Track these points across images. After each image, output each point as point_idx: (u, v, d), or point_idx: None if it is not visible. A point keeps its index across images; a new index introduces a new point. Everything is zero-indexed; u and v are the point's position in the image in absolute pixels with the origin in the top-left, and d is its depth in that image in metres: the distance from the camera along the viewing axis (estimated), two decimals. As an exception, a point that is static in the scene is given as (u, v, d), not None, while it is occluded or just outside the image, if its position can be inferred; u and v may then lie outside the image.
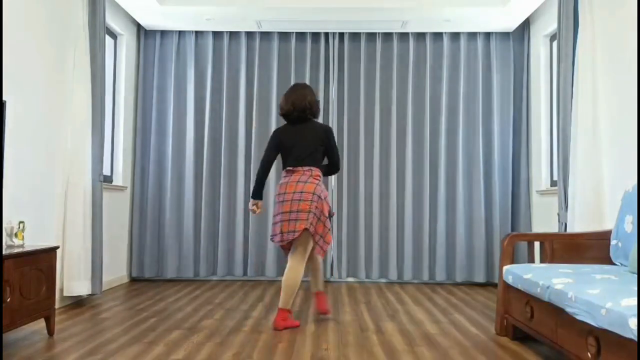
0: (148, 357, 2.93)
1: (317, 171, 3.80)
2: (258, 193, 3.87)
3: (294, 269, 3.70)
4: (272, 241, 3.76)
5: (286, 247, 3.86)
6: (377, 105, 5.89)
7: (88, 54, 4.38)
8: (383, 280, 5.94)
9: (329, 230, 3.78)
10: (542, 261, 3.55)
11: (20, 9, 3.75)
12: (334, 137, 3.89)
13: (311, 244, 3.77)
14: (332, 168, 3.94)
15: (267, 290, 5.30)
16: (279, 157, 5.87)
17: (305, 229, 3.67)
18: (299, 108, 3.82)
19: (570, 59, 4.12)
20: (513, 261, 3.64)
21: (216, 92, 6.01)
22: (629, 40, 3.71)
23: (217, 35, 6.02)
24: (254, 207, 3.90)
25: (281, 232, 3.67)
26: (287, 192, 3.70)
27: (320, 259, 4.00)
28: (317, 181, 3.75)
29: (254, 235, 5.86)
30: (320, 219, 3.72)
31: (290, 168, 3.78)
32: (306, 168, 3.77)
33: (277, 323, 3.63)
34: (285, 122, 3.94)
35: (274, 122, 5.90)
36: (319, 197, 3.70)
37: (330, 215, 3.84)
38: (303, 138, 3.80)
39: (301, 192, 3.67)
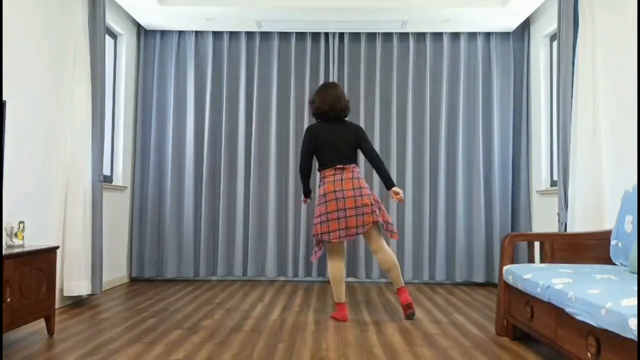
0: (148, 357, 2.93)
1: (358, 168, 4.05)
2: (307, 191, 4.20)
3: (389, 253, 3.98)
4: (324, 239, 3.87)
5: (336, 244, 3.94)
6: (377, 105, 5.89)
7: (88, 54, 4.38)
8: (383, 280, 5.94)
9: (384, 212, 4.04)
10: (542, 261, 3.55)
11: (20, 9, 3.75)
12: (365, 133, 4.11)
13: (376, 234, 3.98)
14: (377, 163, 4.03)
15: (267, 290, 5.30)
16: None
17: (375, 222, 3.95)
18: (337, 109, 4.01)
19: (570, 59, 4.12)
20: (513, 261, 3.64)
21: (216, 92, 6.01)
22: (629, 40, 3.71)
23: (217, 35, 6.02)
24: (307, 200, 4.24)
25: (346, 228, 3.83)
26: (344, 189, 3.88)
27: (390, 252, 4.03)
28: (361, 176, 4.00)
29: (254, 235, 5.86)
30: (381, 208, 3.99)
31: (340, 166, 3.96)
32: (353, 165, 4.00)
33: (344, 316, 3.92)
34: (318, 121, 4.12)
35: (274, 122, 5.90)
36: (370, 191, 3.97)
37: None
38: (344, 137, 4.00)
39: (360, 188, 3.90)
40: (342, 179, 3.90)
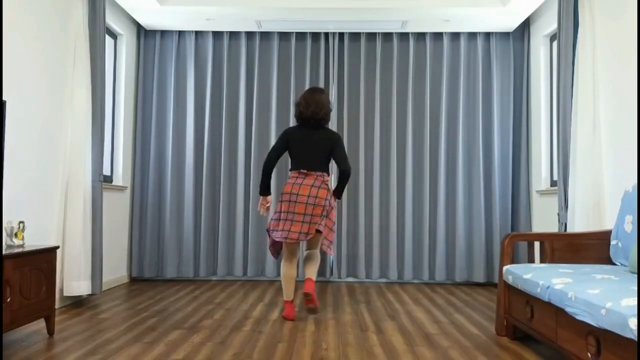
0: (148, 357, 2.93)
1: (327, 177, 4.01)
2: (265, 189, 4.08)
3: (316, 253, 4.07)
4: (271, 235, 3.93)
5: (278, 244, 4.07)
6: (377, 105, 5.89)
7: (88, 54, 4.38)
8: (383, 280, 5.94)
9: (333, 232, 4.08)
10: (542, 261, 3.55)
11: (20, 9, 3.75)
12: (343, 145, 4.04)
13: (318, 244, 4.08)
14: (342, 176, 4.00)
15: (267, 290, 5.30)
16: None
17: (319, 232, 3.95)
18: (318, 117, 4.00)
19: (570, 59, 4.12)
20: (513, 261, 3.64)
21: (216, 92, 6.01)
22: (629, 40, 3.71)
23: (217, 35, 6.02)
24: (264, 204, 4.09)
25: (289, 231, 3.85)
26: (300, 193, 3.87)
27: (317, 253, 4.12)
28: (326, 187, 3.95)
29: (254, 235, 5.86)
30: (327, 224, 4.00)
31: (304, 171, 3.95)
32: (319, 173, 3.97)
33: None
34: (298, 123, 4.10)
35: (274, 121, 5.90)
36: (329, 203, 3.95)
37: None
38: (316, 143, 3.98)
39: (315, 197, 3.86)
40: (301, 184, 3.89)
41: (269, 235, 4.01)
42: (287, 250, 4.03)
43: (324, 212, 3.88)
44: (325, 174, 3.99)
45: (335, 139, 4.01)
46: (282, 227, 3.88)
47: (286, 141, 4.03)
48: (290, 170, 4.05)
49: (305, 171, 3.95)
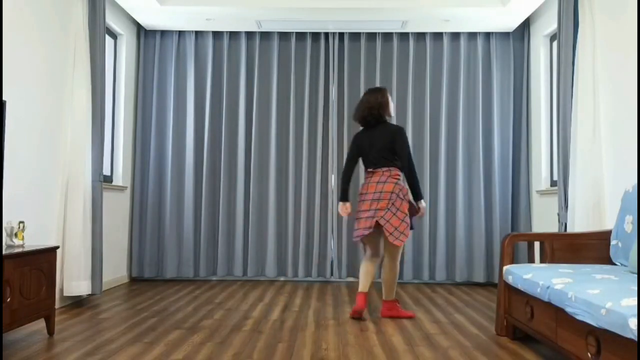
0: (148, 357, 2.93)
1: (395, 170, 4.02)
2: (343, 195, 4.19)
3: (385, 270, 4.10)
4: (355, 238, 4.04)
5: (365, 242, 4.11)
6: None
7: (88, 54, 4.38)
8: (383, 280, 5.93)
9: (407, 224, 3.97)
10: (542, 261, 3.55)
11: (20, 9, 3.75)
12: (403, 138, 4.04)
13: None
14: (405, 171, 4.04)
15: (267, 290, 5.30)
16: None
17: (379, 224, 3.98)
18: (370, 116, 4.07)
19: (570, 59, 4.11)
20: (513, 261, 3.64)
21: (216, 92, 6.01)
22: (629, 40, 3.71)
23: (217, 35, 6.02)
24: (343, 210, 4.18)
25: (357, 229, 4.01)
26: (368, 192, 4.01)
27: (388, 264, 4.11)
28: (395, 180, 3.99)
29: (254, 235, 5.86)
30: (396, 214, 3.93)
31: (371, 170, 4.07)
32: (384, 169, 4.02)
33: (384, 312, 4.06)
34: (362, 128, 4.21)
35: (274, 121, 5.90)
36: (397, 195, 3.95)
37: (413, 214, 4.09)
38: (376, 140, 4.05)
39: (380, 192, 3.95)
40: (369, 183, 4.03)
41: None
42: (367, 246, 4.13)
43: (389, 205, 3.92)
44: (392, 168, 4.01)
45: (393, 131, 4.03)
46: (355, 226, 4.05)
47: (356, 146, 4.16)
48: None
49: (371, 170, 4.06)
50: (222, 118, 5.95)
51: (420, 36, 5.98)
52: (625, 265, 3.19)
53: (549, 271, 2.91)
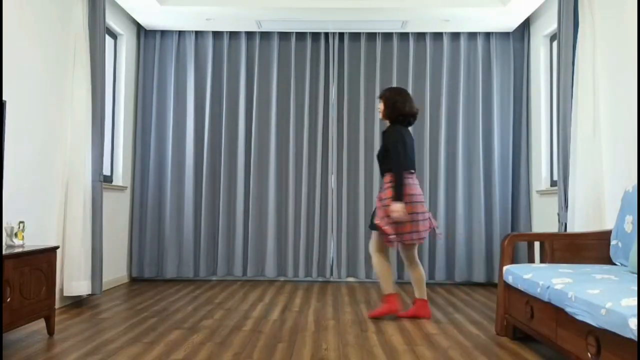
0: (148, 357, 2.93)
1: (388, 176, 4.03)
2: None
3: (374, 264, 4.09)
4: (413, 239, 3.94)
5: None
6: (377, 105, 5.89)
7: (88, 54, 4.38)
8: (383, 280, 5.93)
9: (392, 228, 3.95)
10: (542, 261, 3.55)
11: (20, 9, 3.75)
12: (388, 140, 3.98)
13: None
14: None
15: (267, 290, 5.30)
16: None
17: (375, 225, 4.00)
18: (415, 115, 4.07)
19: (570, 59, 4.11)
20: (513, 261, 3.64)
21: (216, 92, 6.01)
22: (629, 40, 3.71)
23: (217, 35, 6.02)
24: (402, 212, 3.85)
25: (418, 231, 3.94)
26: (421, 193, 4.00)
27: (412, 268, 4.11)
28: (389, 186, 3.96)
29: (254, 235, 5.86)
30: (384, 216, 3.95)
31: (413, 171, 4.03)
32: (385, 175, 4.05)
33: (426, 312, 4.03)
34: (400, 125, 4.05)
35: (274, 122, 5.90)
36: (383, 201, 3.98)
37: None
38: (412, 142, 4.07)
39: (382, 199, 3.98)
40: (416, 184, 3.99)
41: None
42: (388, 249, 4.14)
43: (380, 211, 3.93)
44: (386, 174, 4.02)
45: (385, 135, 4.03)
46: (409, 229, 3.94)
47: (404, 143, 3.95)
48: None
49: (414, 171, 4.03)
50: (222, 118, 5.95)
51: (420, 36, 5.98)
52: (625, 265, 3.19)
53: (549, 271, 2.91)
